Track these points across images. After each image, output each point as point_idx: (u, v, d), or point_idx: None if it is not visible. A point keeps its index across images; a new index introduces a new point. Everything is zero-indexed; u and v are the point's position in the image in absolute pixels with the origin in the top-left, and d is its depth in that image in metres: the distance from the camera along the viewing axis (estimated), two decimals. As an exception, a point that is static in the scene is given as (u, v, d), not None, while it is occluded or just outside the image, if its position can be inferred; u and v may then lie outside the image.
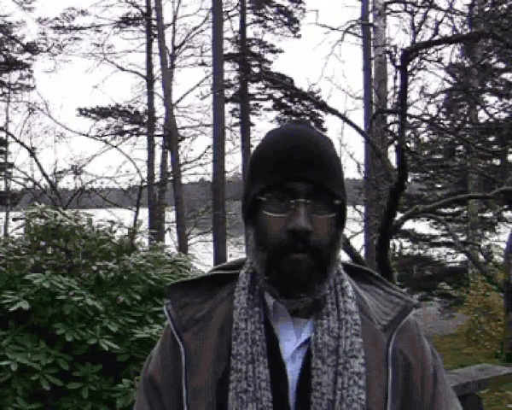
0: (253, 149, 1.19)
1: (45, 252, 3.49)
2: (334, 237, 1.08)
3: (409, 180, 10.51)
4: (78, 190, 12.99)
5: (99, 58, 19.41)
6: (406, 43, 6.56)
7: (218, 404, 1.06)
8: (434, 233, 14.95)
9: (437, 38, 5.49)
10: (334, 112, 6.73)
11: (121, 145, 18.41)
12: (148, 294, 3.43)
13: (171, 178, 17.32)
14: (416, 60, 5.83)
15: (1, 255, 3.40)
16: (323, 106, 8.15)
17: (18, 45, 18.91)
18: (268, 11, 20.03)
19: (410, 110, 6.82)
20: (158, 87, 19.37)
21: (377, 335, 1.11)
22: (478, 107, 12.47)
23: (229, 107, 20.07)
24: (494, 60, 10.95)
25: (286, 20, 20.12)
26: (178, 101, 19.55)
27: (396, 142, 5.76)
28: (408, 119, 6.47)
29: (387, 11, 11.45)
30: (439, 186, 14.92)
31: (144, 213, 15.66)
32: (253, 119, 20.55)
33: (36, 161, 13.74)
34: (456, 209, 14.88)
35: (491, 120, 11.16)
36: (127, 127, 20.14)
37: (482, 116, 13.63)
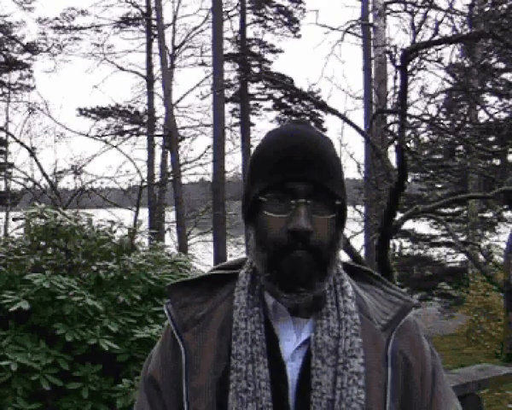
0: (252, 149, 1.19)
1: (45, 252, 3.49)
2: (334, 237, 1.08)
3: (409, 180, 10.51)
4: (78, 190, 12.99)
5: (99, 58, 19.45)
6: (406, 43, 6.56)
7: (218, 404, 1.06)
8: (434, 233, 14.95)
9: (437, 38, 5.49)
10: (334, 112, 6.73)
11: (121, 145, 18.43)
12: (148, 294, 3.43)
13: (171, 178, 17.32)
14: (416, 60, 5.83)
15: (1, 255, 3.40)
16: (323, 106, 8.15)
17: (18, 45, 18.93)
18: (268, 11, 20.04)
19: (410, 110, 6.82)
20: (158, 87, 19.42)
21: (377, 335, 1.11)
22: (478, 107, 12.46)
23: (229, 107, 20.11)
24: (494, 60, 10.95)
25: (286, 20, 20.13)
26: (178, 101, 19.59)
27: (396, 142, 5.76)
28: (408, 119, 6.47)
29: (387, 11, 11.45)
30: (439, 186, 14.92)
31: (144, 213, 15.67)
32: (253, 119, 20.59)
33: (36, 161, 13.75)
34: (456, 209, 14.88)
35: (491, 120, 11.16)
36: (127, 127, 20.16)
37: (482, 116, 13.65)
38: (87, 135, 16.59)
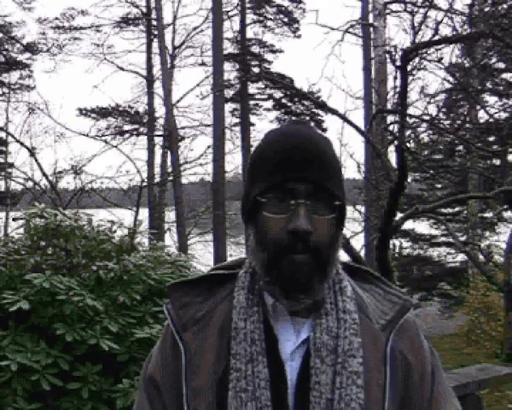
0: (252, 150, 1.19)
1: (45, 252, 3.49)
2: (333, 238, 1.08)
3: (409, 180, 10.51)
4: (78, 190, 13.00)
5: (99, 58, 19.45)
6: (406, 43, 6.56)
7: (218, 403, 1.06)
8: (434, 233, 14.95)
9: (437, 38, 5.49)
10: (334, 112, 6.72)
11: (121, 145, 18.44)
12: (148, 294, 3.43)
13: (171, 178, 17.33)
14: (416, 60, 5.83)
15: (1, 255, 3.40)
16: (323, 106, 8.16)
17: (18, 45, 18.92)
18: (268, 11, 20.04)
19: (410, 110, 6.82)
20: (158, 87, 19.42)
21: (376, 334, 1.11)
22: (478, 107, 12.46)
23: (229, 107, 20.10)
24: (494, 60, 10.95)
25: (286, 20, 20.13)
26: (178, 101, 19.59)
27: (396, 142, 5.76)
28: (408, 119, 6.47)
29: (387, 11, 11.45)
30: (439, 186, 14.92)
31: (144, 213, 15.67)
32: (253, 119, 20.59)
33: (36, 161, 13.76)
34: (456, 209, 14.88)
35: (491, 120, 11.16)
36: (127, 127, 20.16)
37: (482, 116, 13.65)
38: (87, 135, 16.62)
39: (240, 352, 1.06)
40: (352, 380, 1.04)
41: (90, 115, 19.50)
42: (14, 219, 5.27)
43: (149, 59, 19.64)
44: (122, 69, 19.59)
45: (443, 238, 14.60)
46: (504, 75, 13.65)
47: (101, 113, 19.54)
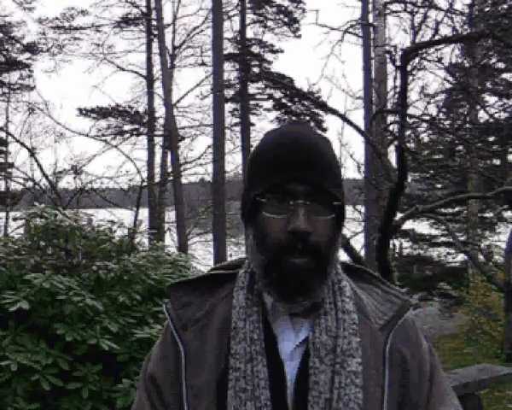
0: (252, 150, 1.20)
1: (45, 252, 3.49)
2: (333, 238, 1.08)
3: (409, 180, 10.52)
4: (78, 190, 12.98)
5: (99, 58, 19.43)
6: (406, 43, 6.57)
7: (217, 403, 1.06)
8: (434, 233, 14.94)
9: (437, 38, 5.50)
10: (334, 112, 6.73)
11: (121, 145, 18.40)
12: (148, 294, 3.44)
13: (171, 178, 17.33)
14: (416, 60, 5.84)
15: (1, 255, 3.40)
16: (323, 106, 8.16)
17: (18, 45, 18.91)
18: (268, 11, 20.04)
19: (410, 110, 6.83)
20: (158, 87, 19.39)
21: (375, 334, 1.11)
22: (478, 107, 12.46)
23: (229, 107, 20.09)
24: (494, 60, 10.96)
25: (286, 20, 20.12)
26: (178, 101, 19.57)
27: (396, 142, 5.76)
28: (408, 119, 6.48)
29: (387, 11, 11.44)
30: (439, 186, 14.91)
31: (144, 213, 15.66)
32: (253, 119, 20.58)
33: (36, 161, 13.74)
34: (456, 209, 14.86)
35: (491, 120, 11.17)
36: (127, 127, 20.13)
37: (482, 116, 13.64)
38: (87, 135, 16.62)
39: (239, 352, 1.07)
40: (351, 380, 1.04)
41: (90, 115, 19.49)
42: (14, 219, 5.27)
43: (149, 59, 19.63)
44: (122, 69, 19.59)
45: (443, 238, 14.58)
46: (504, 75, 13.66)
47: (101, 113, 19.53)
